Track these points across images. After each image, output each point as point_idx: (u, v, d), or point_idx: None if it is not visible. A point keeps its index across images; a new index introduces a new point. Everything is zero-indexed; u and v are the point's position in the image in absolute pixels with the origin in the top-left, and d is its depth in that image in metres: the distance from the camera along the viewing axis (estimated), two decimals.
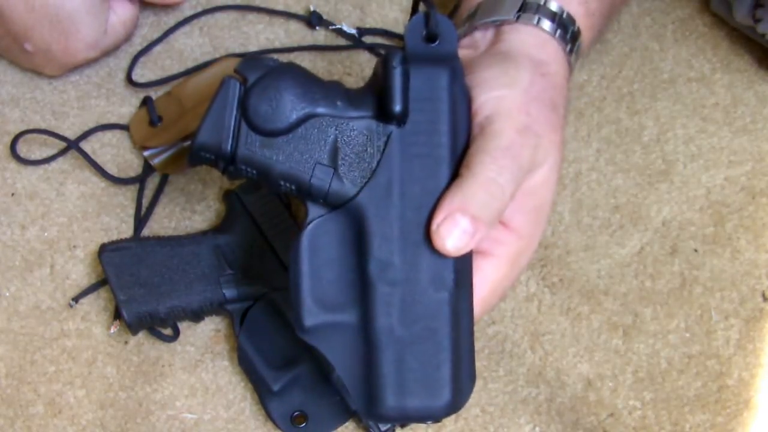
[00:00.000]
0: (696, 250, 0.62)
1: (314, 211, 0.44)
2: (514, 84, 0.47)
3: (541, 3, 0.51)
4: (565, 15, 0.52)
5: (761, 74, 0.69)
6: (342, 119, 0.44)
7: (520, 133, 0.46)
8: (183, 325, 0.58)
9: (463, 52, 0.51)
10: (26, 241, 0.61)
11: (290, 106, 0.43)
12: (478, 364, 0.57)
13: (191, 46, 0.68)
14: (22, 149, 0.63)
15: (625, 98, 0.67)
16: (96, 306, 0.59)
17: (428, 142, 0.44)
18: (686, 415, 0.57)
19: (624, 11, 0.69)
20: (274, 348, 0.55)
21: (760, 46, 0.69)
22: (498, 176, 0.44)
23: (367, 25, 0.70)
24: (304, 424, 0.54)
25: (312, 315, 0.43)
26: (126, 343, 0.58)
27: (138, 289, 0.55)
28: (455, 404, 0.44)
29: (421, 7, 0.46)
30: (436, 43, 0.45)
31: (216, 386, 0.57)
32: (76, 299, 0.58)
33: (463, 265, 0.45)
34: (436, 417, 0.45)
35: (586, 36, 0.54)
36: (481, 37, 0.52)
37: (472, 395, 0.56)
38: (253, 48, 0.68)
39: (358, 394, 0.44)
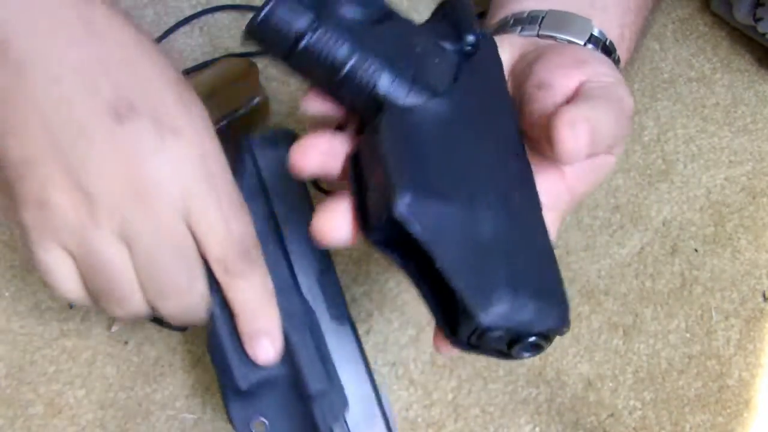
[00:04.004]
0: (696, 250, 0.62)
1: (392, 104, 0.40)
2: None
3: (607, 42, 0.52)
4: (617, 59, 0.53)
5: (761, 74, 0.69)
6: (418, 34, 0.42)
7: None
8: None
9: (534, 39, 0.51)
10: None
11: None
12: (477, 365, 0.57)
13: (191, 46, 0.68)
14: None
15: None
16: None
17: (494, 77, 0.44)
18: (686, 415, 0.57)
19: None
20: None
21: (761, 46, 0.69)
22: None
23: None
24: None
25: (411, 191, 0.37)
26: (126, 343, 0.58)
27: None
28: (567, 317, 0.39)
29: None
30: None
31: (216, 386, 0.57)
32: None
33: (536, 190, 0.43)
34: (551, 327, 0.38)
35: None
36: (542, 40, 0.52)
37: (472, 395, 0.57)
38: (253, 48, 0.68)
39: (465, 291, 0.36)
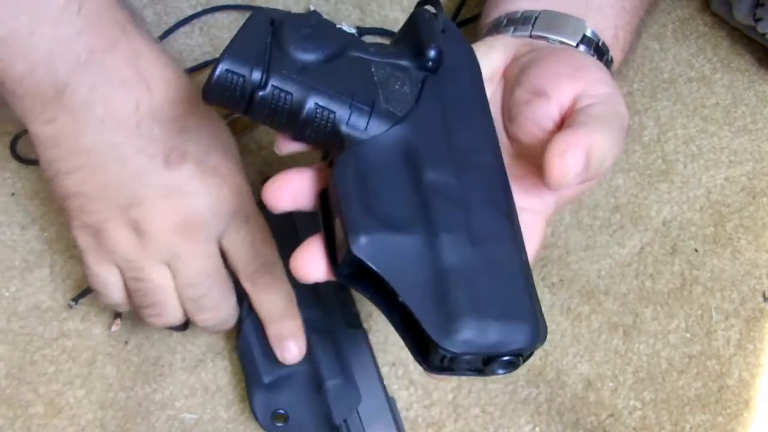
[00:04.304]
0: (696, 250, 0.62)
1: (353, 138, 0.41)
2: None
3: (600, 43, 0.52)
4: (611, 59, 0.53)
5: (761, 74, 0.69)
6: (377, 60, 0.43)
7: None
8: None
9: (527, 40, 0.51)
10: (26, 241, 0.61)
11: (329, 36, 0.42)
12: None
13: (191, 46, 0.68)
14: (22, 149, 0.63)
15: (625, 98, 0.67)
16: (96, 306, 0.59)
17: (464, 88, 0.44)
18: (686, 415, 0.57)
19: None
20: None
21: (761, 46, 0.69)
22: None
23: (367, 25, 0.69)
24: (282, 424, 0.54)
25: (368, 229, 0.38)
26: (126, 343, 0.58)
27: None
28: (540, 333, 0.39)
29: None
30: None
31: (216, 386, 0.57)
32: (75, 299, 0.58)
33: (512, 200, 0.43)
34: (520, 347, 0.38)
35: None
36: (535, 41, 0.52)
37: (472, 395, 0.57)
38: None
39: (429, 322, 0.37)
